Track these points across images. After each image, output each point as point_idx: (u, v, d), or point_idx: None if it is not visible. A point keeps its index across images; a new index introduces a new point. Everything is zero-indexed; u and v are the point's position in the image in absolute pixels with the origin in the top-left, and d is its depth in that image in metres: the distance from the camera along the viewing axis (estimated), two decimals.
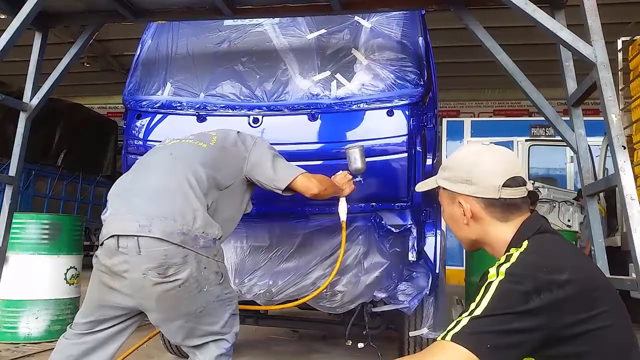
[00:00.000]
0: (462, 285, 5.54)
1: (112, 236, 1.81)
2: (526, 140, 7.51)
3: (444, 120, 8.84)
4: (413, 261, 2.66)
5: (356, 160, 2.44)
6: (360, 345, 2.97)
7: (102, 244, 1.86)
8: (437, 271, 2.85)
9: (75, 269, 4.00)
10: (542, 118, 2.59)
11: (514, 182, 1.28)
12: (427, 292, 2.75)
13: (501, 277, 1.13)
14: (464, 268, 6.13)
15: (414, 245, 2.65)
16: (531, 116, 9.78)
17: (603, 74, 2.01)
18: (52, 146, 8.67)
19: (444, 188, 1.37)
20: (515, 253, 1.18)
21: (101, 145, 9.89)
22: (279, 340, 4.27)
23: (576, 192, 6.60)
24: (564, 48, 2.35)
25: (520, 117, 10.26)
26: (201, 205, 1.88)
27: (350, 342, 3.01)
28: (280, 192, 2.14)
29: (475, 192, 1.30)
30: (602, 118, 2.06)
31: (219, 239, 1.93)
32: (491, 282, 1.13)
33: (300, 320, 3.84)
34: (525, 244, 1.21)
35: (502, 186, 1.27)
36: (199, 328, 1.92)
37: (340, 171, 2.45)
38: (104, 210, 1.94)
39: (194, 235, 1.82)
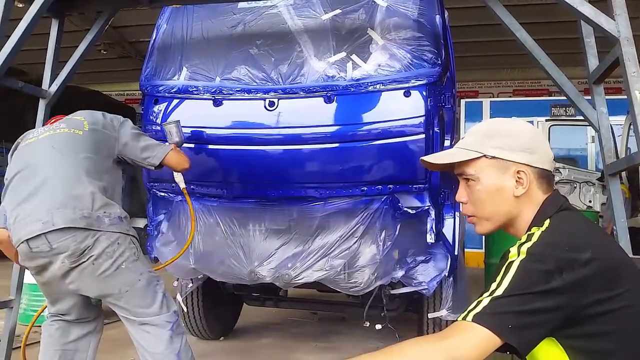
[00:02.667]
0: (481, 268, 5.51)
1: (23, 241, 1.91)
2: (546, 120, 7.37)
3: (462, 101, 8.71)
4: (431, 243, 2.64)
5: (173, 135, 2.51)
6: (378, 326, 2.99)
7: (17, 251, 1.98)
8: (455, 253, 2.83)
9: None
10: (563, 97, 2.53)
11: None
12: (446, 274, 2.75)
13: (522, 256, 1.11)
14: (483, 250, 6.10)
15: (432, 227, 2.63)
16: (551, 96, 9.57)
17: (626, 49, 1.95)
18: None
19: (494, 157, 1.24)
20: (537, 232, 1.16)
21: None
22: (298, 322, 4.31)
23: (598, 173, 6.48)
24: (585, 23, 2.28)
25: (540, 96, 10.06)
26: (97, 188, 1.97)
27: (368, 324, 3.03)
28: (153, 168, 2.28)
29: (536, 162, 1.24)
30: (624, 96, 2.01)
31: (125, 217, 2.03)
32: (512, 261, 1.12)
33: (319, 302, 3.87)
34: (547, 222, 1.19)
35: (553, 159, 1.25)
36: (134, 311, 2.01)
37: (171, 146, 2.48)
38: (4, 220, 2.03)
39: (96, 217, 1.92)
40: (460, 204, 1.34)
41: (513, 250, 1.15)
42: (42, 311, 2.73)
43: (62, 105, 2.97)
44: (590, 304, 1.08)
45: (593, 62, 2.35)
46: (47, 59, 2.92)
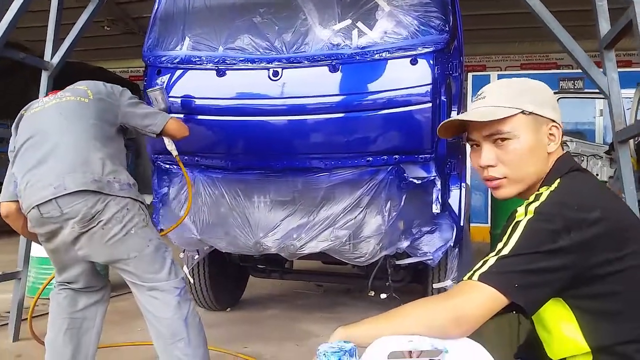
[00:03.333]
0: (487, 243, 5.52)
1: (34, 207, 1.91)
2: (555, 94, 7.28)
3: (470, 75, 8.60)
4: (437, 213, 2.63)
5: (158, 101, 2.53)
6: (383, 296, 3.00)
7: (27, 217, 1.98)
8: (461, 223, 2.82)
9: None
10: (571, 71, 2.49)
11: None
12: (452, 244, 2.74)
13: (530, 215, 1.10)
14: (489, 225, 6.09)
15: (438, 197, 2.61)
16: (559, 69, 9.44)
17: None
18: None
19: (531, 113, 1.20)
20: (545, 192, 1.14)
21: None
22: (304, 294, 4.35)
23: (606, 146, 6.43)
24: None
25: (548, 70, 9.91)
26: (105, 154, 1.99)
27: (373, 293, 3.04)
28: (154, 136, 2.28)
29: (559, 118, 1.24)
30: (634, 69, 1.96)
31: (133, 184, 2.04)
32: (519, 221, 1.10)
33: (325, 274, 3.88)
34: (556, 182, 1.17)
35: None
36: (143, 276, 2.02)
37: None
38: (13, 188, 2.03)
39: (106, 181, 1.93)
40: (484, 169, 1.25)
41: (520, 209, 1.13)
42: (48, 283, 2.77)
43: (68, 82, 2.96)
44: (598, 264, 1.07)
45: (605, 26, 2.29)
46: (49, 29, 2.90)
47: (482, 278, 1.06)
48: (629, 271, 1.09)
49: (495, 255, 1.09)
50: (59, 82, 2.97)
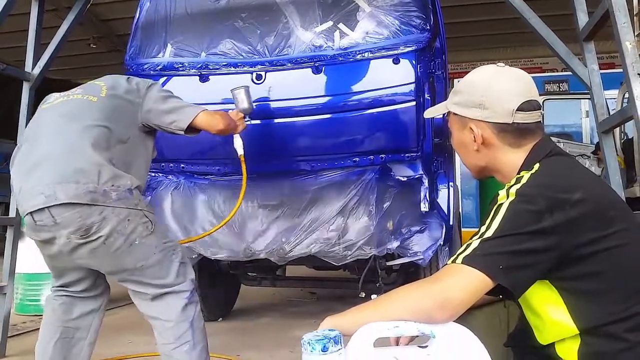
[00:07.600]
0: None
1: (27, 214, 1.83)
2: (540, 95, 7.34)
3: (455, 81, 8.68)
4: (426, 212, 2.62)
5: (243, 101, 2.42)
6: (374, 296, 2.96)
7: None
8: (450, 222, 2.81)
9: None
10: (555, 74, 2.50)
11: (528, 105, 1.22)
12: (441, 243, 2.71)
13: (512, 197, 1.09)
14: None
15: (425, 196, 2.60)
16: (544, 72, 9.54)
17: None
18: None
19: (454, 113, 1.30)
20: (526, 175, 1.14)
21: None
22: (297, 303, 4.31)
23: (593, 146, 6.48)
24: None
25: (533, 74, 10.02)
26: (104, 159, 1.84)
27: (364, 295, 3.01)
28: (182, 132, 2.05)
29: (488, 117, 1.23)
30: (616, 70, 1.98)
31: (135, 188, 1.89)
32: (501, 204, 1.10)
33: (316, 279, 3.85)
34: (536, 166, 1.17)
35: (516, 110, 1.21)
36: (150, 282, 1.93)
37: (231, 110, 2.37)
38: (12, 188, 1.95)
39: (102, 191, 1.79)
40: None
41: (502, 192, 1.13)
42: None
43: None
44: (582, 243, 1.06)
45: (583, 18, 2.32)
46: (29, 40, 2.88)
47: (466, 261, 1.05)
48: (614, 250, 1.08)
49: (479, 238, 1.08)
50: (40, 98, 2.94)
